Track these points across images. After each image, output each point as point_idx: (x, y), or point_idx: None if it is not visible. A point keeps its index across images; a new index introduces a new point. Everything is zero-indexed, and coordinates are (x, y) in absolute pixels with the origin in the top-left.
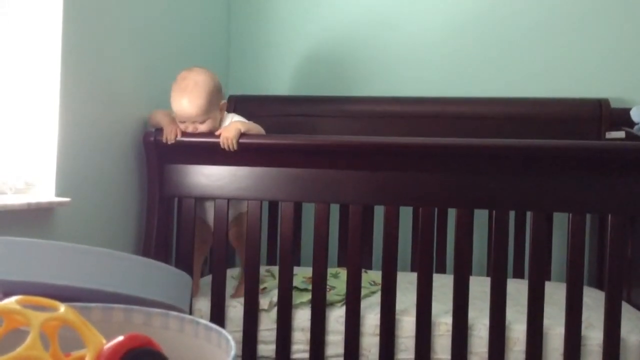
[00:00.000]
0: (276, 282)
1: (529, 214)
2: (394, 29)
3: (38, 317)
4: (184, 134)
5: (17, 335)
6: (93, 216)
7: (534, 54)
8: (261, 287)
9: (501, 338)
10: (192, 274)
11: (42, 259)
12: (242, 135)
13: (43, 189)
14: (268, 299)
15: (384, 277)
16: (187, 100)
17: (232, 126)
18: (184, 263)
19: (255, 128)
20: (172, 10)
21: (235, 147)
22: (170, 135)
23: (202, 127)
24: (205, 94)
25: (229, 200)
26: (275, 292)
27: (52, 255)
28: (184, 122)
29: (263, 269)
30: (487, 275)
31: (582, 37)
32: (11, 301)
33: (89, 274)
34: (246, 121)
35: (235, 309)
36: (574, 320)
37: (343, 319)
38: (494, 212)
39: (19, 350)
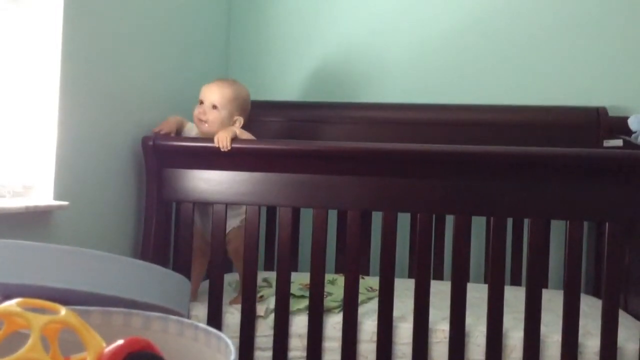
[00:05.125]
0: (273, 290)
1: (526, 221)
2: (394, 36)
3: (39, 320)
4: (186, 138)
5: (17, 338)
6: (91, 220)
7: (533, 61)
8: (258, 295)
9: (498, 345)
10: (190, 278)
11: (41, 262)
12: (235, 138)
13: (41, 192)
14: (265, 306)
15: (381, 283)
16: (217, 84)
17: (228, 128)
18: (182, 267)
19: (250, 137)
20: (172, 17)
21: (229, 146)
22: (162, 126)
23: (212, 116)
24: (235, 91)
25: (227, 205)
26: (272, 299)
27: (51, 258)
28: (202, 104)
29: (260, 278)
30: (485, 282)
31: (581, 45)
32: (12, 304)
33: (88, 277)
34: (246, 133)
35: (232, 315)
36: (571, 327)
37: (340, 326)
38: (491, 218)
39: (20, 352)
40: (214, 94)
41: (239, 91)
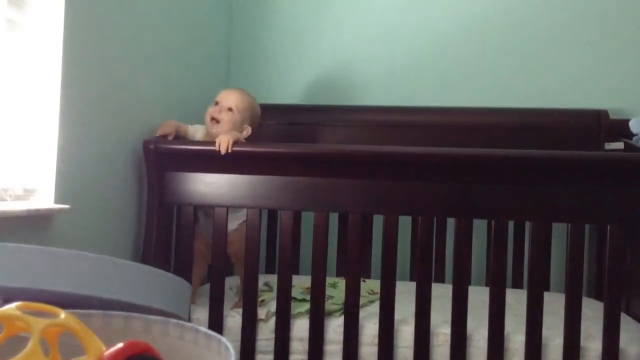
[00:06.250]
0: (274, 294)
1: (528, 224)
2: (394, 39)
3: (39, 323)
4: (186, 142)
5: (17, 341)
6: (92, 223)
7: (533, 64)
8: (259, 299)
9: (500, 349)
10: (191, 282)
11: (42, 266)
12: (236, 142)
13: (42, 195)
14: (266, 309)
15: (382, 287)
16: (238, 90)
17: (233, 132)
18: (183, 270)
19: None
20: (174, 21)
21: (230, 149)
22: (162, 130)
23: (226, 117)
24: (252, 103)
25: (228, 208)
26: (273, 303)
27: (52, 261)
28: (217, 104)
29: (261, 282)
30: (486, 285)
31: (581, 47)
32: (12, 307)
33: (89, 281)
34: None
35: (233, 319)
36: (573, 331)
37: (341, 329)
38: (493, 222)
39: (20, 356)
40: (234, 97)
41: (255, 105)
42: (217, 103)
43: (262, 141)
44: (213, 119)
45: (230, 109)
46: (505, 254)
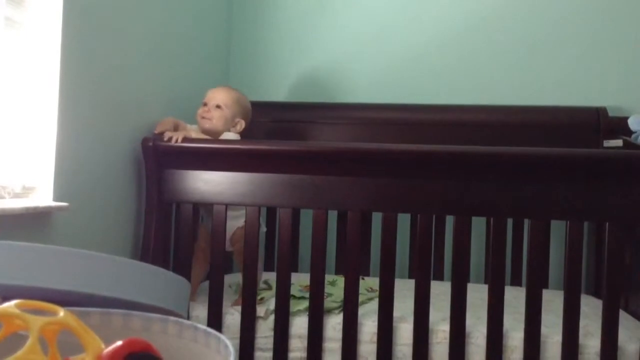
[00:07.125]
0: (273, 292)
1: (526, 221)
2: (392, 36)
3: (37, 322)
4: (185, 139)
5: (16, 340)
6: (91, 221)
7: (532, 62)
8: (258, 297)
9: (499, 346)
10: (190, 279)
11: (40, 264)
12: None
13: (41, 193)
14: (265, 307)
15: (381, 284)
16: (223, 87)
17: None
18: (182, 268)
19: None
20: (173, 17)
21: (179, 142)
22: (162, 127)
23: (216, 114)
24: (237, 96)
25: (227, 205)
26: (273, 300)
27: (50, 259)
28: (205, 105)
29: (260, 280)
30: (485, 283)
31: (580, 45)
32: (10, 305)
33: (88, 279)
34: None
35: (232, 317)
36: (571, 328)
37: (340, 326)
38: (491, 219)
39: (19, 354)
40: (220, 94)
41: (242, 98)
42: (205, 104)
43: (256, 138)
44: (204, 118)
45: (218, 107)
46: (504, 251)
